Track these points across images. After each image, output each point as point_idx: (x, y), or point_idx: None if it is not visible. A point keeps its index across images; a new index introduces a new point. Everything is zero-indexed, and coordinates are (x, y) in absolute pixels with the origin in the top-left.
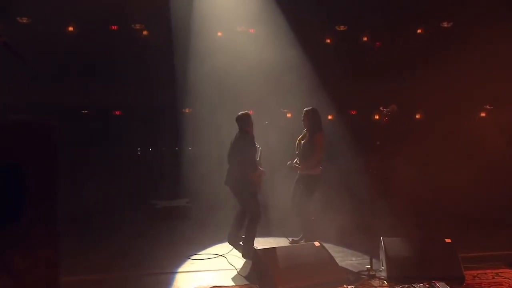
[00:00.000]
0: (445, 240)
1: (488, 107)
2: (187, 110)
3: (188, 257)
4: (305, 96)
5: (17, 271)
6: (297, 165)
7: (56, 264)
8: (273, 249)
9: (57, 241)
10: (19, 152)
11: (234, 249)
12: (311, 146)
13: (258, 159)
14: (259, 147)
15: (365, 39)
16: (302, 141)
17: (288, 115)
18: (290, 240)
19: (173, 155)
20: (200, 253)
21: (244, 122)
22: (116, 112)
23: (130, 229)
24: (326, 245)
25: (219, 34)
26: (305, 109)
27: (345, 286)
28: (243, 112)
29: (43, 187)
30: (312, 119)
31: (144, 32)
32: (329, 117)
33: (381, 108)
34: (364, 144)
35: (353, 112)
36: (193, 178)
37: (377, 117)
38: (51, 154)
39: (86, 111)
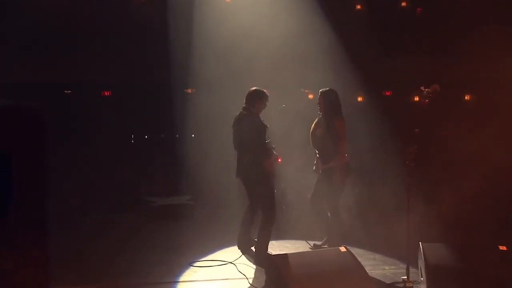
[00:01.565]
0: (499, 248)
1: None
2: (189, 91)
3: (190, 264)
4: (330, 73)
5: (3, 272)
6: (322, 165)
7: (45, 264)
8: (290, 256)
9: (46, 240)
10: (5, 140)
11: (244, 254)
12: (332, 136)
13: (268, 140)
14: (267, 126)
15: (403, 4)
16: (318, 130)
17: (310, 96)
18: (312, 245)
19: (173, 144)
20: (205, 259)
21: (252, 99)
22: (105, 93)
23: (122, 231)
24: (355, 251)
25: (227, 0)
26: (320, 90)
27: None
28: (255, 88)
29: (32, 179)
30: (330, 102)
31: None
32: (359, 98)
33: (421, 88)
34: (400, 131)
35: (387, 93)
36: (196, 171)
37: (416, 98)
38: (40, 143)
39: (69, 91)
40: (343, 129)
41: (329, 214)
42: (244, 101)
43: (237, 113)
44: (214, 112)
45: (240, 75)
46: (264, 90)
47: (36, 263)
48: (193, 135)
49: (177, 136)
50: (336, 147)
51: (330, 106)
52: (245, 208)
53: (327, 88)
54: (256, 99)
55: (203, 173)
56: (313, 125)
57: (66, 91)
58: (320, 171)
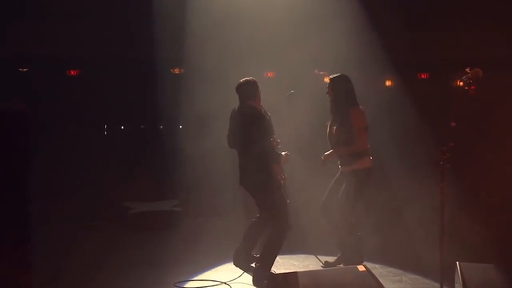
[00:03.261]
0: None
1: None
2: (177, 71)
3: (175, 285)
4: (351, 52)
5: None
6: (341, 166)
7: (27, 265)
8: (297, 274)
9: (28, 241)
10: None
11: (243, 273)
12: (348, 129)
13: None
14: (269, 115)
15: None
16: (334, 127)
17: (326, 79)
18: (323, 262)
19: (156, 137)
20: (193, 279)
21: (248, 92)
22: (72, 72)
23: (94, 244)
24: (376, 271)
25: None
26: (330, 76)
27: None
28: (246, 78)
29: (13, 180)
30: (341, 89)
31: None
32: (387, 82)
33: (466, 70)
34: (436, 123)
35: (423, 76)
36: (185, 171)
37: (460, 83)
38: (21, 146)
39: (25, 69)
40: (361, 119)
41: (343, 226)
42: (239, 94)
43: (235, 108)
44: (209, 100)
45: (240, 54)
46: (254, 79)
47: (18, 264)
48: (180, 126)
49: (161, 127)
50: (352, 141)
51: (341, 94)
52: (252, 219)
53: (337, 74)
54: (253, 90)
55: (193, 173)
56: (330, 121)
57: (20, 69)
58: (338, 174)
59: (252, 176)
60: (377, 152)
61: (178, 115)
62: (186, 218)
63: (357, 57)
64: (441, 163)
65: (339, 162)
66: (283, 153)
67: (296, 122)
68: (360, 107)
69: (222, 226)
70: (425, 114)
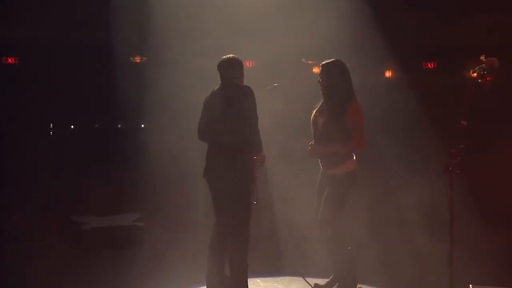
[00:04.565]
0: None
1: None
2: (137, 59)
3: None
4: (345, 38)
5: None
6: (326, 169)
7: None
8: None
9: None
10: None
11: None
12: (341, 124)
13: None
14: None
15: None
16: (320, 119)
17: (315, 69)
18: (313, 286)
19: (113, 138)
20: None
21: (235, 69)
22: (9, 60)
23: (41, 269)
24: None
25: None
26: (323, 62)
27: None
28: (231, 55)
29: None
30: (337, 78)
31: None
32: (386, 73)
33: (481, 59)
34: (445, 121)
35: (429, 65)
36: (148, 179)
37: (473, 74)
38: None
39: None
40: (359, 116)
41: (332, 242)
42: (223, 72)
43: (214, 89)
44: (177, 93)
45: (212, 39)
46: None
47: None
48: (142, 125)
49: (119, 126)
50: (345, 142)
51: (336, 82)
52: (214, 229)
53: (331, 59)
54: (239, 68)
55: (158, 181)
56: (314, 111)
57: None
58: (319, 176)
59: (223, 166)
60: (375, 154)
61: (139, 111)
62: (149, 235)
63: (352, 43)
64: (450, 168)
65: (322, 162)
66: None
67: (279, 119)
68: (357, 99)
69: (191, 242)
70: (431, 111)
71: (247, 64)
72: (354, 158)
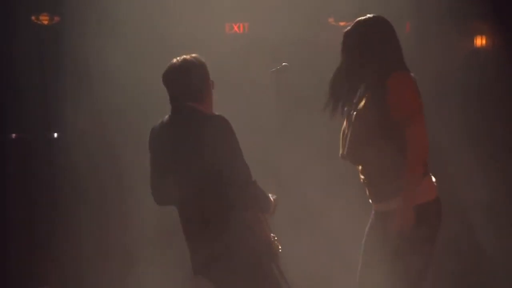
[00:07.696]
0: None
1: None
2: (45, 21)
3: None
4: None
5: None
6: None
7: None
8: None
9: None
10: None
11: None
12: (382, 113)
13: None
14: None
15: None
16: (354, 113)
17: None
18: None
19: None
20: None
21: (194, 83)
22: None
23: None
24: None
25: None
26: (357, 19)
27: None
28: (187, 57)
29: None
30: (377, 43)
31: None
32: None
33: None
34: None
35: None
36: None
37: None
38: None
39: None
40: (413, 94)
41: None
42: (172, 93)
43: (165, 119)
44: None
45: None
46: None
47: None
48: (55, 135)
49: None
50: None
51: (376, 50)
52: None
53: (368, 16)
54: (204, 80)
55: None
56: (345, 122)
57: None
58: (371, 217)
59: (223, 250)
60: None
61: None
62: None
63: None
64: None
65: (368, 191)
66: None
67: (289, 112)
68: (411, 74)
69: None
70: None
71: (236, 28)
72: (432, 177)
